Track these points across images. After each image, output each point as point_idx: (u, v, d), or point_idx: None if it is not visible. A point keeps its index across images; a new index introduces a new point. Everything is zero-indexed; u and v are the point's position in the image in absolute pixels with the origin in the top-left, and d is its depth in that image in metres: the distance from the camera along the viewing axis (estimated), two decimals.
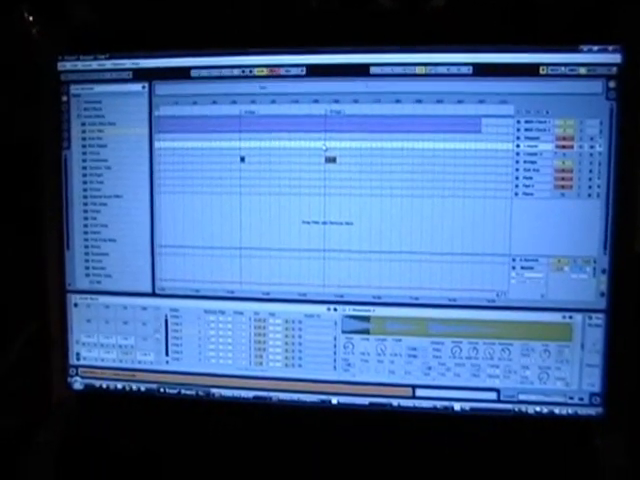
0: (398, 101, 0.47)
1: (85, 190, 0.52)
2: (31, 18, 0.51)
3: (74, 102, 0.52)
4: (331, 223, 0.49)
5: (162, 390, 0.53)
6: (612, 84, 0.45)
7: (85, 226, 0.52)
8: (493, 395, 0.49)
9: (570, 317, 0.47)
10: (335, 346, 0.50)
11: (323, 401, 0.51)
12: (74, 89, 0.51)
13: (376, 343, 0.50)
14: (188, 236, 0.51)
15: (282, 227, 0.50)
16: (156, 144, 0.51)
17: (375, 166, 0.48)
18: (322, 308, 0.50)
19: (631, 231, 0.46)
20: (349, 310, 0.50)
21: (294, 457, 0.50)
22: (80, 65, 0.51)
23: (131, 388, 0.53)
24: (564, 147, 0.46)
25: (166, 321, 0.52)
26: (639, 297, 0.46)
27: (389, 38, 0.47)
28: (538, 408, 0.49)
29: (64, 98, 0.52)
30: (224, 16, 0.50)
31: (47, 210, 0.53)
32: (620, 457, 0.47)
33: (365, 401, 0.51)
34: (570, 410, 0.48)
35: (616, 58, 0.45)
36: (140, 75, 0.50)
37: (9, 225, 0.58)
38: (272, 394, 0.51)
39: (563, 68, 0.45)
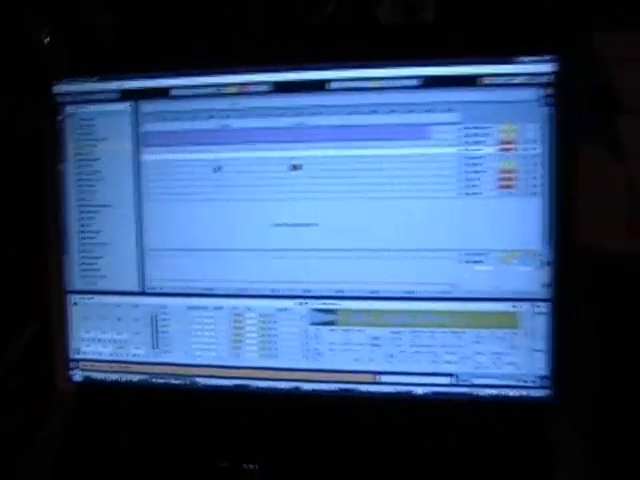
0: (355, 113, 0.52)
1: (80, 199, 0.57)
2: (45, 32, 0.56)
3: (69, 121, 0.57)
4: (299, 225, 0.53)
5: (153, 380, 0.58)
6: (548, 91, 0.49)
7: (82, 232, 0.57)
8: (450, 380, 0.53)
9: (518, 306, 0.51)
10: (305, 337, 0.55)
11: (297, 388, 0.55)
12: (69, 109, 0.57)
13: (342, 334, 0.54)
14: (173, 240, 0.56)
15: (256, 229, 0.54)
16: (142, 157, 0.56)
17: (337, 172, 0.52)
18: (292, 302, 0.54)
19: (570, 226, 0.49)
20: (316, 304, 0.54)
21: (272, 442, 0.54)
22: (74, 87, 0.57)
23: (125, 379, 0.58)
24: (507, 150, 0.50)
25: (155, 317, 0.57)
26: (580, 287, 0.50)
27: (347, 56, 0.52)
28: (494, 391, 0.52)
29: (60, 117, 0.57)
30: (200, 38, 0.55)
31: (47, 218, 0.57)
32: (573, 438, 0.50)
33: (334, 387, 0.55)
34: (523, 392, 0.52)
35: (551, 67, 0.49)
36: (126, 95, 0.56)
37: (9, 225, 0.61)
38: (250, 382, 0.56)
39: (501, 78, 0.49)
